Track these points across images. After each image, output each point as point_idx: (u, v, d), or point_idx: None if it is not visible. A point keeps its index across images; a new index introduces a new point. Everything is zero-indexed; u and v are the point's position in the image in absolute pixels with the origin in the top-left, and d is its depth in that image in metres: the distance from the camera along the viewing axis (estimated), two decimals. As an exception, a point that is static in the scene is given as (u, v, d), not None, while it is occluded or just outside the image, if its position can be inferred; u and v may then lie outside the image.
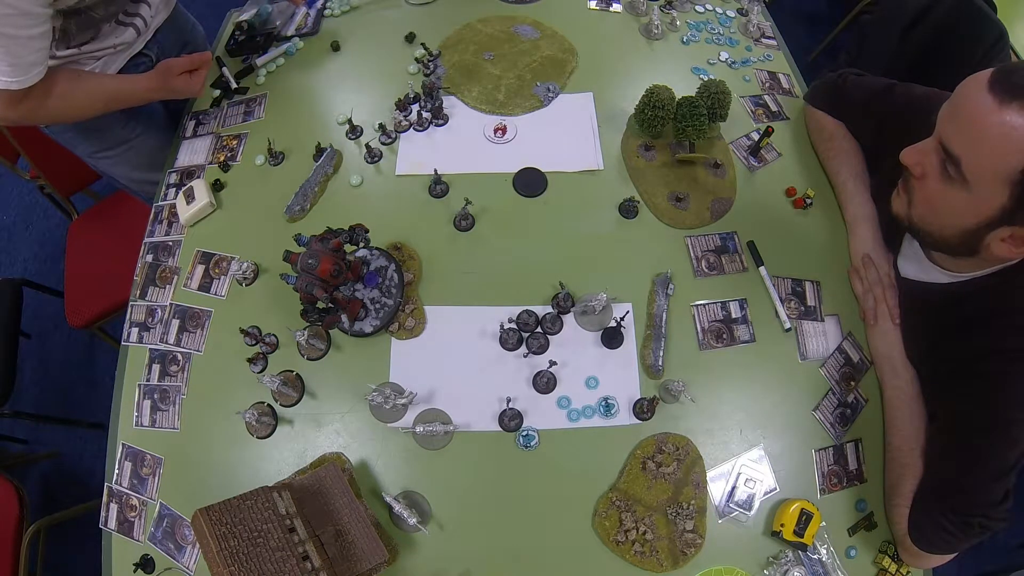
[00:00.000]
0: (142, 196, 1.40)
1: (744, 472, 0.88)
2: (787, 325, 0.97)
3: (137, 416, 0.96)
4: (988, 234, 0.72)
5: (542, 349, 0.95)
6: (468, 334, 0.96)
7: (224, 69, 1.25)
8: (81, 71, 1.07)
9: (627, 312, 0.96)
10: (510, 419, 0.89)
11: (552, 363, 0.91)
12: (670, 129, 1.14)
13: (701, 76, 1.24)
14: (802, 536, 0.83)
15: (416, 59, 1.26)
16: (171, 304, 1.03)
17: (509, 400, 0.90)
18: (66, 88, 1.00)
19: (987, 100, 0.66)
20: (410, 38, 1.28)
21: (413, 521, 0.81)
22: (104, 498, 0.93)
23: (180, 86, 1.11)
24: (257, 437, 0.91)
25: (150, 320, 1.03)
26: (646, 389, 0.93)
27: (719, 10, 1.38)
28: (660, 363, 0.93)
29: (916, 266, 0.91)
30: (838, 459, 0.90)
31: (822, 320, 0.99)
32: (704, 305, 0.99)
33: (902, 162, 0.78)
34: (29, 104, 0.95)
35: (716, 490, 0.88)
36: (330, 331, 0.97)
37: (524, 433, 0.89)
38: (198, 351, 0.98)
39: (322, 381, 0.95)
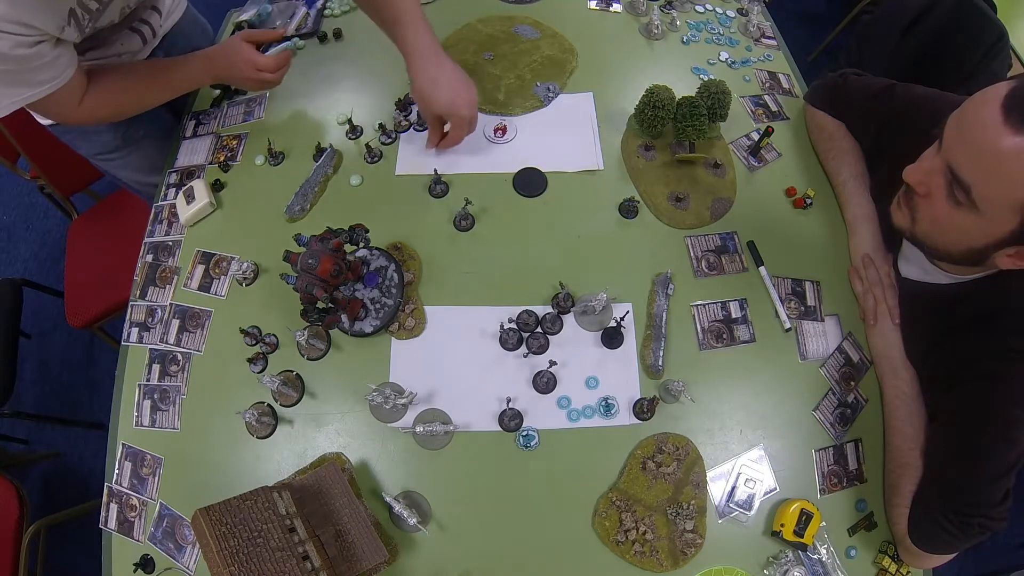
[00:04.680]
0: (146, 197, 1.40)
1: (744, 472, 0.88)
2: (787, 325, 0.97)
3: (137, 416, 0.96)
4: (995, 252, 0.72)
5: (542, 349, 0.95)
6: (468, 334, 0.96)
7: (273, 32, 1.24)
8: (125, 67, 1.06)
9: (627, 312, 0.96)
10: (510, 419, 0.89)
11: (552, 363, 0.91)
12: (670, 129, 1.14)
13: (701, 76, 1.24)
14: (802, 536, 0.83)
15: (416, 59, 1.26)
16: (171, 304, 1.03)
17: (509, 400, 0.89)
18: (114, 86, 1.00)
19: (1002, 129, 0.63)
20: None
21: (413, 521, 0.81)
22: (104, 498, 0.93)
23: (253, 86, 1.16)
24: (257, 437, 0.91)
25: (150, 320, 1.03)
26: (646, 389, 0.93)
27: (719, 10, 1.38)
28: (660, 363, 0.93)
29: (916, 266, 0.91)
30: (838, 459, 0.90)
31: (822, 320, 0.99)
32: (704, 305, 0.99)
33: (905, 180, 0.76)
34: (85, 107, 0.96)
35: (716, 490, 0.88)
36: (330, 331, 0.97)
37: (524, 433, 0.89)
38: (198, 351, 0.98)
39: (322, 381, 0.95)
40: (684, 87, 1.15)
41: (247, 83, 1.14)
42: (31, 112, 1.01)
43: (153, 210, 1.15)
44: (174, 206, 1.11)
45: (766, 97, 1.23)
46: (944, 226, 0.74)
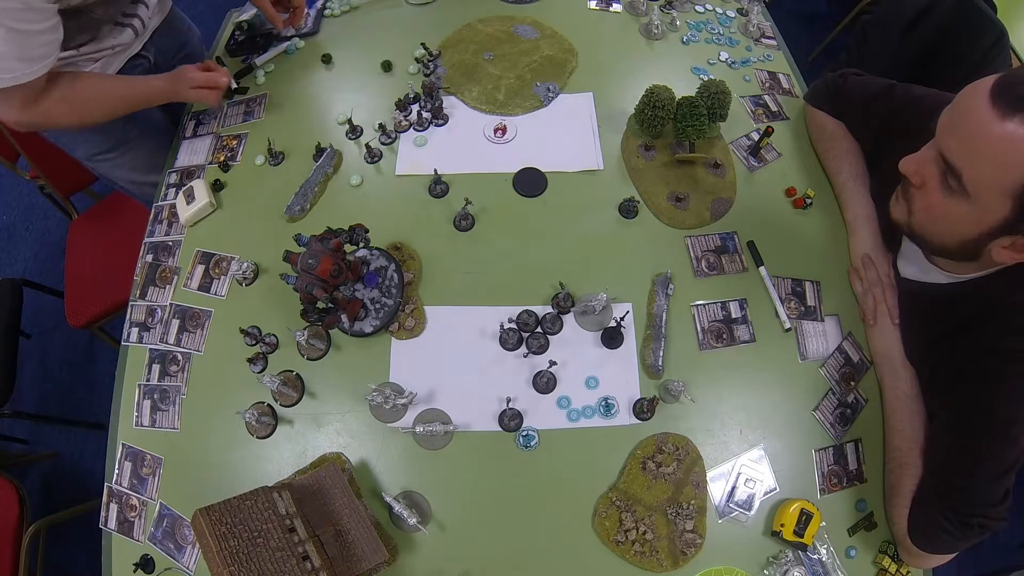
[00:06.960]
0: (140, 198, 1.40)
1: (744, 472, 0.88)
2: (787, 325, 0.97)
3: (137, 416, 0.96)
4: (989, 242, 0.72)
5: (542, 349, 0.95)
6: (468, 334, 0.96)
7: (224, 69, 1.25)
8: (91, 74, 1.07)
9: (627, 312, 0.96)
10: (510, 419, 0.89)
11: (552, 363, 0.91)
12: (670, 129, 1.14)
13: (701, 76, 1.24)
14: (802, 536, 0.83)
15: (416, 59, 1.26)
16: (171, 304, 1.03)
17: (509, 400, 0.90)
18: (77, 90, 1.00)
19: (989, 113, 0.64)
20: (386, 66, 1.26)
21: (413, 521, 0.81)
22: (104, 498, 0.93)
23: (194, 98, 1.14)
24: (257, 437, 0.91)
25: (150, 320, 1.03)
26: (646, 389, 0.93)
27: (719, 10, 1.38)
28: (660, 363, 0.93)
29: (916, 266, 0.91)
30: (838, 459, 0.90)
31: (822, 320, 0.99)
32: (704, 305, 0.99)
33: (901, 171, 0.77)
34: (42, 106, 0.95)
35: (716, 490, 0.88)
36: (330, 331, 0.97)
37: (524, 433, 0.89)
38: (198, 351, 0.98)
39: (322, 381, 0.95)
40: (684, 87, 1.15)
41: (194, 95, 1.13)
42: None
43: (153, 210, 1.15)
44: (174, 206, 1.11)
45: (766, 97, 1.23)
46: (938, 215, 0.75)
